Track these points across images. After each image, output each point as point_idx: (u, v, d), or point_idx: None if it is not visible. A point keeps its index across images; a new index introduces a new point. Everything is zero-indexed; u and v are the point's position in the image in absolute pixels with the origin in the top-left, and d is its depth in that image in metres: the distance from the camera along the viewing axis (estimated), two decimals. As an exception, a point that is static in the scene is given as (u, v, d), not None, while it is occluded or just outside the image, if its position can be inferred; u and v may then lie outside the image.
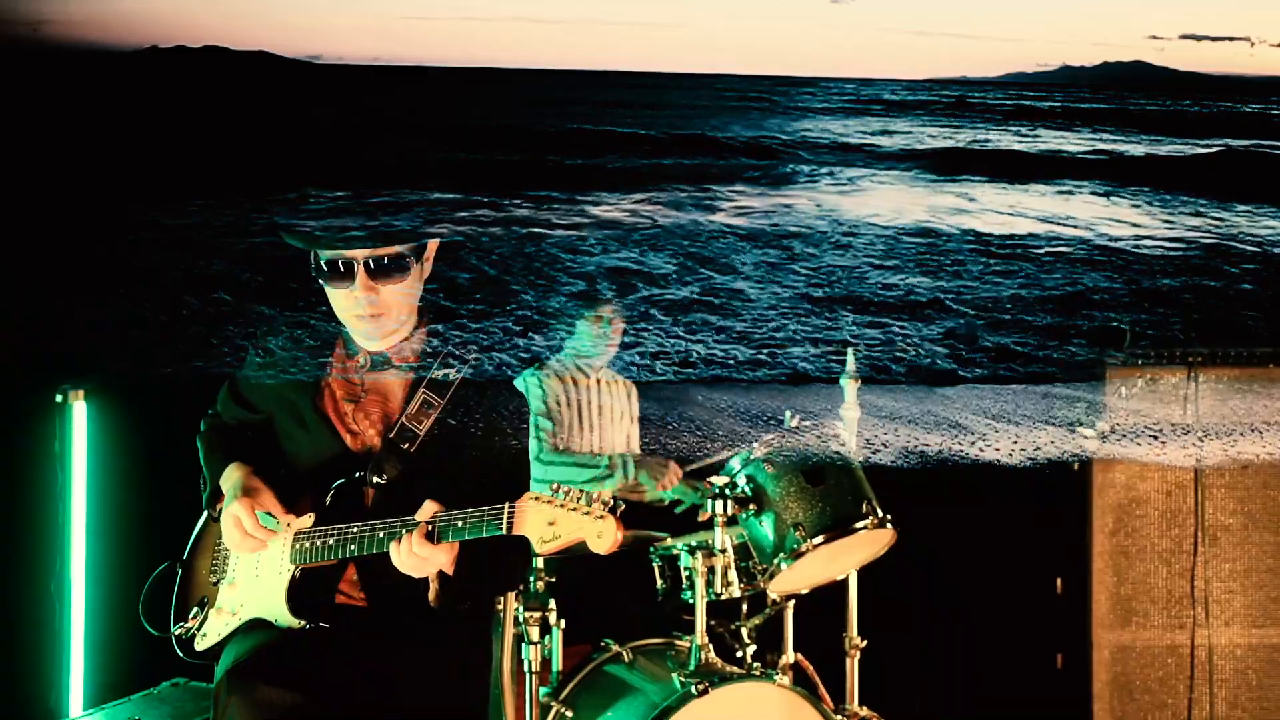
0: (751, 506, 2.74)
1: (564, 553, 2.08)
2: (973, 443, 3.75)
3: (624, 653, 2.76)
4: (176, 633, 2.35)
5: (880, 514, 2.75)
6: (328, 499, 2.24)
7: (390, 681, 2.20)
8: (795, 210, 15.23)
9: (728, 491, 2.74)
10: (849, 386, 3.10)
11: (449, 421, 2.28)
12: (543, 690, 2.64)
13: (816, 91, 67.20)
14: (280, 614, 2.24)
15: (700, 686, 2.53)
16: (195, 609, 2.35)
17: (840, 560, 2.87)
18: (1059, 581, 3.43)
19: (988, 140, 29.14)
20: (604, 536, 2.01)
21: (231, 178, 15.83)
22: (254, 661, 2.16)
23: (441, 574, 2.14)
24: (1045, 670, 3.44)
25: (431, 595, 2.16)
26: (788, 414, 2.91)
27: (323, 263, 2.30)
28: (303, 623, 2.22)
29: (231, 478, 2.31)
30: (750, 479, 2.77)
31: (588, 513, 2.03)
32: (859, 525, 2.71)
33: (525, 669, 2.58)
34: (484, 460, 2.25)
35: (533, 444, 3.20)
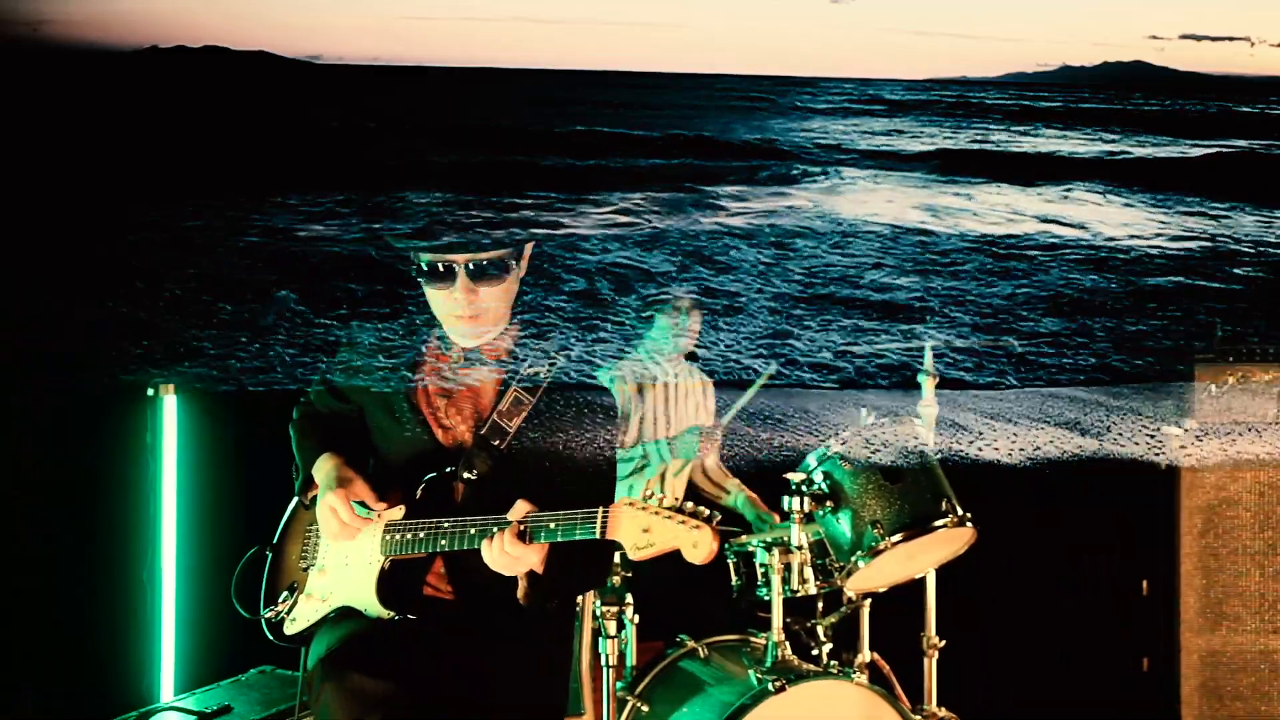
0: (828, 503, 2.73)
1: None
2: (1050, 441, 3.71)
3: (699, 649, 2.80)
4: (267, 616, 2.40)
5: (960, 512, 2.73)
6: (418, 492, 2.28)
7: (476, 675, 2.23)
8: (795, 210, 15.23)
9: (804, 488, 2.74)
10: (927, 383, 3.09)
11: (540, 419, 2.32)
12: (618, 685, 2.69)
13: (816, 91, 67.17)
14: (369, 604, 2.27)
15: (777, 684, 2.53)
16: (285, 594, 2.40)
17: (919, 559, 2.86)
18: (1145, 584, 3.35)
19: (988, 140, 29.13)
20: (699, 546, 2.00)
21: (231, 178, 15.83)
22: (346, 650, 2.20)
23: (531, 572, 2.16)
24: (1131, 674, 3.38)
25: (520, 593, 2.18)
26: (863, 411, 2.90)
27: (423, 264, 2.35)
28: (391, 613, 2.25)
29: (324, 467, 2.35)
30: (827, 475, 2.76)
31: (683, 521, 2.02)
32: (938, 524, 2.70)
33: (603, 663, 2.65)
34: (572, 460, 2.29)
35: None
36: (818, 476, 2.76)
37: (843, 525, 2.71)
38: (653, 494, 2.06)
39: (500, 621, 2.26)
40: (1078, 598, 3.55)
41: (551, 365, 2.38)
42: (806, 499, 2.72)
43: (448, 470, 2.28)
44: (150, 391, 3.21)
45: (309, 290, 8.98)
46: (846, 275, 10.96)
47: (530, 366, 2.37)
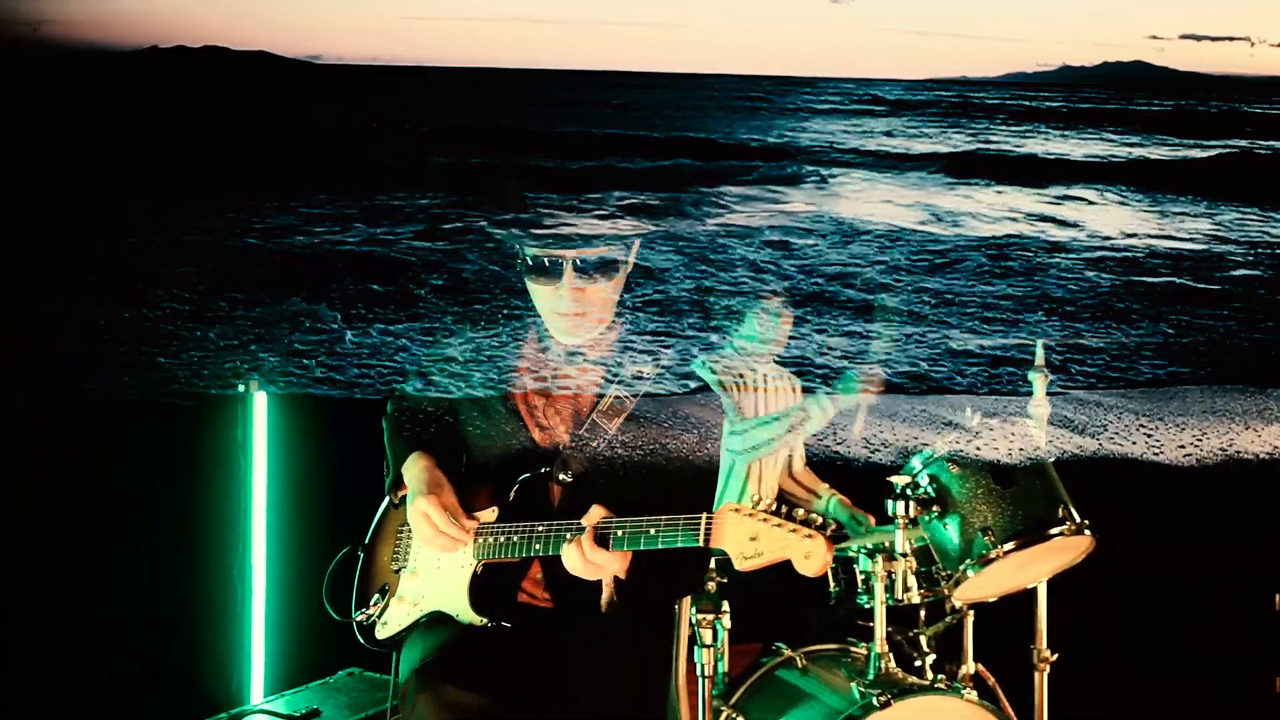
0: (935, 508, 2.59)
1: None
2: (1166, 445, 3.53)
3: (797, 658, 2.67)
4: (358, 619, 2.31)
5: (1078, 519, 2.55)
6: (511, 494, 2.20)
7: (573, 684, 2.15)
8: (794, 211, 15.23)
9: (909, 492, 2.58)
10: (1038, 381, 2.88)
11: (640, 422, 2.22)
12: (713, 692, 2.56)
13: (816, 92, 67.13)
14: (462, 609, 2.19)
15: (882, 698, 2.41)
16: (376, 596, 2.31)
17: (1031, 568, 2.70)
18: (1278, 598, 3.16)
19: (988, 141, 29.11)
20: (812, 558, 1.89)
21: (230, 178, 15.82)
22: (440, 660, 2.14)
23: (617, 579, 2.09)
24: (1263, 693, 3.20)
25: (604, 600, 2.11)
26: (967, 410, 2.76)
27: (529, 259, 2.27)
28: (485, 620, 2.17)
29: (415, 467, 2.27)
30: (933, 479, 2.62)
31: (794, 530, 1.91)
32: (1055, 531, 2.54)
33: (698, 672, 2.53)
34: (672, 464, 2.20)
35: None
36: (923, 479, 2.61)
37: (950, 531, 2.57)
38: (760, 500, 1.95)
39: (598, 630, 2.18)
40: (1203, 610, 3.39)
41: (655, 365, 2.29)
42: (912, 503, 2.55)
43: (543, 471, 2.20)
44: (240, 389, 3.18)
45: (319, 291, 8.96)
46: (844, 275, 10.96)
47: (634, 366, 2.28)
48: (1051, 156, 24.59)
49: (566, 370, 2.30)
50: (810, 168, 21.10)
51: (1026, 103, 54.30)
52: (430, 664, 2.14)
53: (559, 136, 24.69)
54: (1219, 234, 14.39)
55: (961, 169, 21.15)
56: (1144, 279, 11.40)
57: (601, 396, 2.26)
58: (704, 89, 71.00)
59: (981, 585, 2.62)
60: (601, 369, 2.29)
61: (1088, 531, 2.55)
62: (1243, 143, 27.96)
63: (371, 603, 2.31)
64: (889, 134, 31.21)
